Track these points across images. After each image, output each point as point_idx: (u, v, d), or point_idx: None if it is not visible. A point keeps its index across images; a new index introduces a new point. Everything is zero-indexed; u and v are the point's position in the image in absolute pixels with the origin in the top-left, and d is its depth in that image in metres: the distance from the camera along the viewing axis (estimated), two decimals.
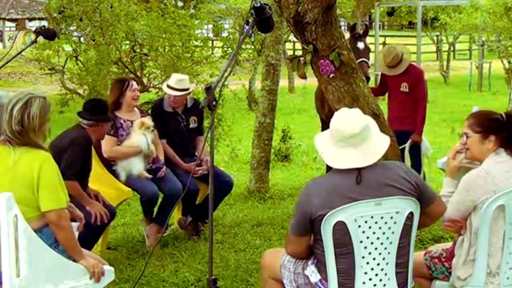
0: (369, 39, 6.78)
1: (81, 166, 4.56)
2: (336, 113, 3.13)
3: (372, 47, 7.02)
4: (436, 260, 3.58)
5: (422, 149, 6.51)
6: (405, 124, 6.46)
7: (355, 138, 3.00)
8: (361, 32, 6.57)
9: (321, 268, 3.10)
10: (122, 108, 5.33)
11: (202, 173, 5.49)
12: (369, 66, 6.45)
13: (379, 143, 3.07)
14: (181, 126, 5.61)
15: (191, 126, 5.67)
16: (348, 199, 2.94)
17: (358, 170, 2.98)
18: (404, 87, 6.47)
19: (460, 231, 3.43)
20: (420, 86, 6.48)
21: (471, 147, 3.46)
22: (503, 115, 3.45)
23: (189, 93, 5.63)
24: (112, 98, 5.34)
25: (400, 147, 6.54)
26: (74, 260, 3.38)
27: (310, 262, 3.20)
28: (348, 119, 3.04)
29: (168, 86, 5.51)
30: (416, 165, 6.51)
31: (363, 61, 6.19)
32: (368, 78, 6.31)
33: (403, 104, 6.47)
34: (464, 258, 3.39)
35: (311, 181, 3.20)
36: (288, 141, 9.67)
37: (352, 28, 6.71)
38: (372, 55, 7.35)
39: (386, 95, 6.81)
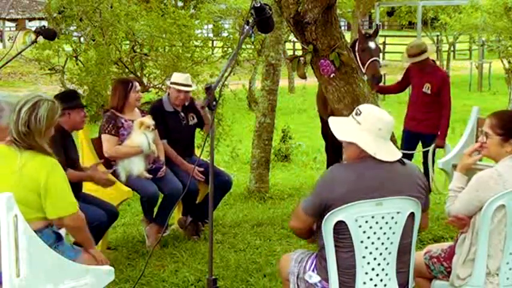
0: None
1: (66, 157, 4.58)
2: (371, 109, 3.12)
3: None
4: (435, 260, 3.58)
5: (446, 153, 6.50)
6: (422, 126, 6.46)
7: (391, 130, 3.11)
8: (371, 32, 6.56)
9: (321, 269, 3.10)
10: (124, 109, 5.34)
11: (202, 178, 5.51)
12: (380, 66, 6.44)
13: None
14: (182, 124, 5.66)
15: (191, 123, 5.73)
16: (379, 189, 2.97)
17: (400, 161, 3.06)
18: (427, 88, 6.42)
19: (463, 229, 3.43)
20: (445, 91, 6.40)
21: (489, 148, 3.45)
22: None
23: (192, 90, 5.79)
24: (116, 100, 5.33)
25: (423, 150, 6.57)
26: (75, 260, 3.39)
27: (308, 267, 3.21)
28: (385, 113, 3.11)
29: (176, 83, 5.56)
30: (426, 170, 6.54)
31: (375, 60, 6.16)
32: (380, 77, 6.29)
33: (424, 106, 6.42)
34: (465, 258, 3.39)
35: (337, 168, 3.17)
36: (288, 141, 9.67)
37: (358, 31, 6.65)
38: None
39: (408, 95, 6.78)
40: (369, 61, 6.07)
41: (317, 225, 3.12)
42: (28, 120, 3.30)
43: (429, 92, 6.41)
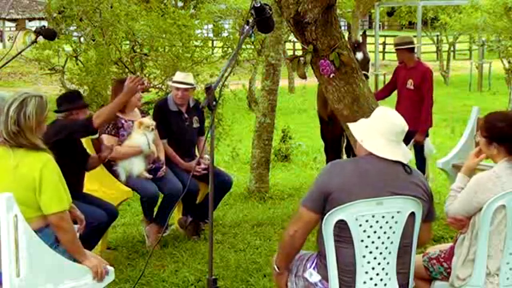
0: (368, 39, 6.78)
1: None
2: (382, 110, 3.23)
3: (371, 47, 7.02)
4: (435, 261, 3.58)
5: (425, 150, 6.45)
6: (411, 124, 6.41)
7: (402, 135, 3.15)
8: (360, 40, 6.56)
9: (322, 267, 3.10)
10: (124, 109, 5.33)
11: (202, 172, 5.51)
12: (367, 77, 6.43)
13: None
14: (185, 125, 5.67)
15: (194, 125, 5.74)
16: (379, 186, 2.98)
17: (402, 164, 3.07)
18: (410, 84, 6.43)
19: (462, 230, 3.44)
20: (425, 84, 6.40)
21: (481, 147, 3.54)
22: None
23: (194, 89, 5.85)
24: None
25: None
26: (75, 260, 3.38)
27: (309, 265, 3.21)
28: (397, 115, 3.18)
29: (175, 82, 5.62)
30: (420, 166, 6.48)
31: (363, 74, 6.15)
32: None
33: (410, 102, 6.40)
34: (464, 258, 3.39)
35: (337, 161, 3.25)
36: (288, 141, 9.67)
37: (348, 39, 6.67)
38: (371, 55, 7.33)
39: (395, 94, 6.77)
40: None
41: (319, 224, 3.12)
42: (17, 118, 3.28)
43: (412, 87, 6.43)
